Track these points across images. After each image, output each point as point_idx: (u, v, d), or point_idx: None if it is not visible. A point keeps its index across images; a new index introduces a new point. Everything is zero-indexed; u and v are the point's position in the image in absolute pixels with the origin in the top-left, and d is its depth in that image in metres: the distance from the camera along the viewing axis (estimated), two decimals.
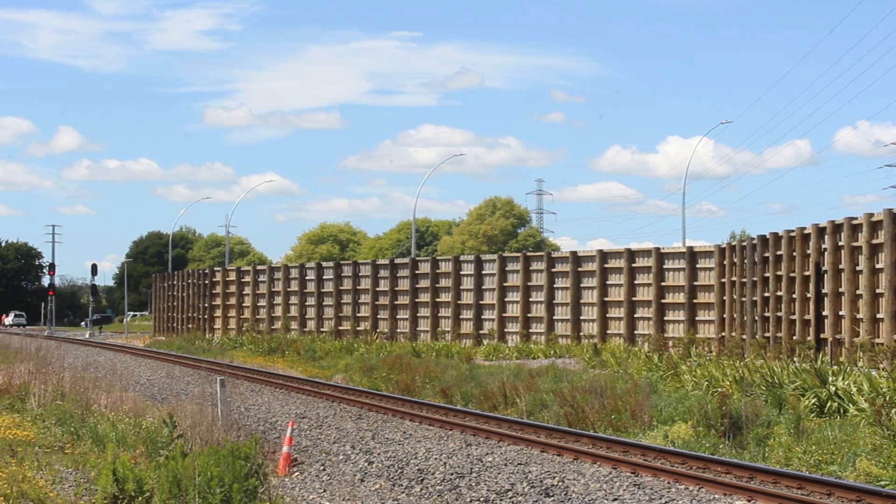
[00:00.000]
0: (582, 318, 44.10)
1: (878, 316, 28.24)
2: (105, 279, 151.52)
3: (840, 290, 30.20)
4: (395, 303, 53.39)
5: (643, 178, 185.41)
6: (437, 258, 52.91)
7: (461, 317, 49.74)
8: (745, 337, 34.85)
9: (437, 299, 51.07)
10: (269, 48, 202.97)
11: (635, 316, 41.89)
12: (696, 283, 39.72)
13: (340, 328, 56.12)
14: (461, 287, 49.92)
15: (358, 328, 54.81)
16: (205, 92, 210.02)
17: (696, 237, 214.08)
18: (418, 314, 52.01)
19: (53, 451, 16.53)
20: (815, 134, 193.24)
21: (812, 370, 22.82)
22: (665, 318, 40.80)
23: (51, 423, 18.74)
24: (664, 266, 41.07)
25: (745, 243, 36.33)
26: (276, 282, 62.07)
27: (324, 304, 58.21)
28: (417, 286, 52.14)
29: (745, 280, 35.88)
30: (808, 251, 31.94)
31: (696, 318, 39.53)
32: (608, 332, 42.69)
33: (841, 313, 30.10)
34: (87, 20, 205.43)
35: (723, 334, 37.46)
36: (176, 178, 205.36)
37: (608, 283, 43.11)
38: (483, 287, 48.86)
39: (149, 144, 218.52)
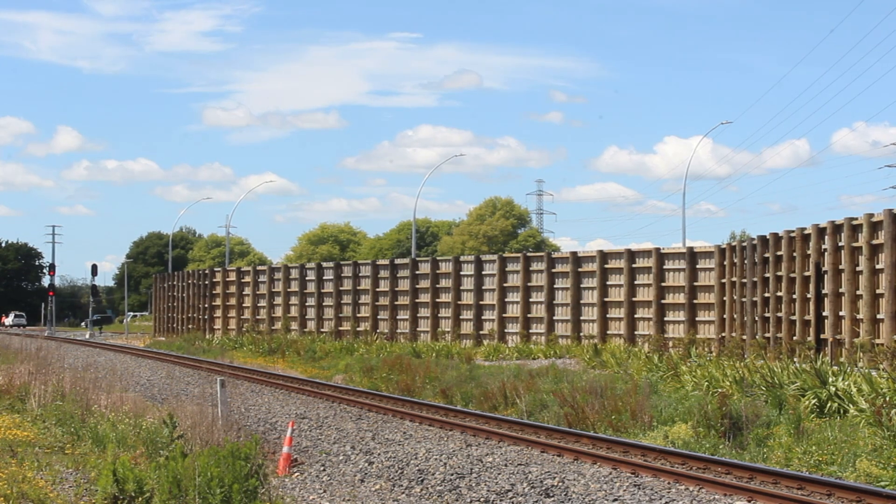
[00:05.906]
0: (582, 318, 44.10)
1: (879, 316, 28.23)
2: (105, 279, 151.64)
3: (840, 290, 30.20)
4: (396, 303, 53.38)
5: (641, 179, 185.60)
6: (438, 258, 52.90)
7: (461, 317, 49.73)
8: (745, 337, 34.84)
9: (438, 300, 51.07)
10: (268, 49, 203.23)
11: (635, 316, 41.89)
12: (696, 284, 39.72)
13: (340, 328, 56.12)
14: (461, 287, 49.92)
15: (358, 328, 54.80)
16: (204, 93, 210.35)
17: (695, 237, 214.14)
18: (418, 314, 52.00)
19: (53, 452, 16.52)
20: (813, 135, 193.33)
21: (812, 371, 22.82)
22: (665, 319, 40.80)
23: (51, 424, 18.73)
24: (664, 266, 41.07)
25: (745, 244, 36.31)
26: (277, 282, 62.05)
27: (324, 304, 58.20)
28: (418, 286, 52.13)
29: (745, 280, 35.86)
30: (809, 251, 31.93)
31: (697, 319, 39.52)
32: (608, 332, 42.68)
33: (841, 314, 30.09)
34: (87, 21, 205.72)
35: (723, 335, 37.45)
36: (176, 179, 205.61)
37: (608, 283, 43.12)
38: (483, 287, 48.86)
39: (148, 145, 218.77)
